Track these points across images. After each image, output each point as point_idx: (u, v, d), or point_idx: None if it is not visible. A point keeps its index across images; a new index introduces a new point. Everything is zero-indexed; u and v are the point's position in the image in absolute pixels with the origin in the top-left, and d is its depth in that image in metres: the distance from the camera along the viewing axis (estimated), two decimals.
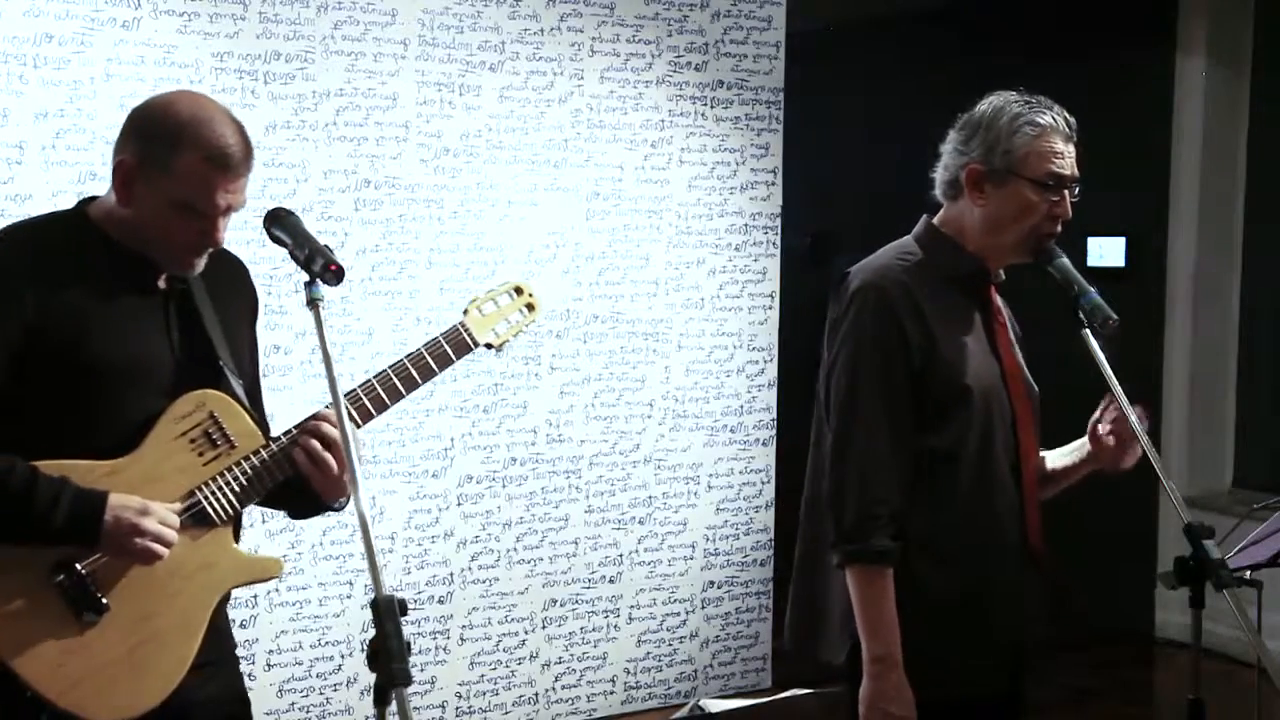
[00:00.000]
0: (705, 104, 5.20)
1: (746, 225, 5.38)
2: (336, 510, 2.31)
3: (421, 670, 4.69)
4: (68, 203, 2.54)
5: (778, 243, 5.42)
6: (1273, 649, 2.22)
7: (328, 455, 2.22)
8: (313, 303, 2.03)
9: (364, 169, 4.57)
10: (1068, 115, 2.41)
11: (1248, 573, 3.52)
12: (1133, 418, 2.27)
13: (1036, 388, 2.55)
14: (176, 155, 2.16)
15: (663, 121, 5.16)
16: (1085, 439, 2.50)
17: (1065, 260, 2.40)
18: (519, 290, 2.62)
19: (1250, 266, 5.94)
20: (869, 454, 2.38)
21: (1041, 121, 2.38)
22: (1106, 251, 6.00)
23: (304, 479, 2.27)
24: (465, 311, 2.52)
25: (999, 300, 2.53)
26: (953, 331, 2.41)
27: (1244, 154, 5.89)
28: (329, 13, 4.50)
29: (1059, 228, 2.39)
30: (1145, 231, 5.90)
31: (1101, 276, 5.42)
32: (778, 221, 5.43)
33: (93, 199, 2.31)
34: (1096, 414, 2.44)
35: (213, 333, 2.26)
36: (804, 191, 5.78)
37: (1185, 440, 5.96)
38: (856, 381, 2.40)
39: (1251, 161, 5.86)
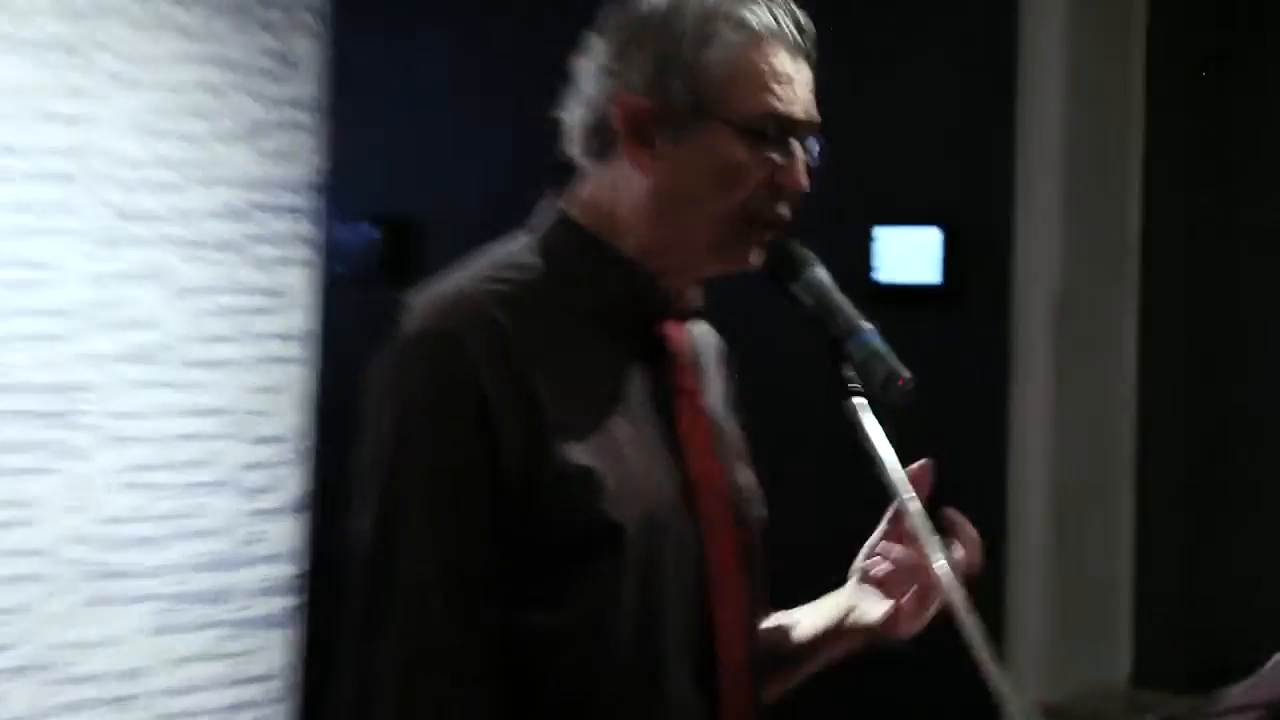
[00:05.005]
0: None
1: (252, 205, 4.17)
2: None
3: None
4: None
5: (317, 241, 4.32)
6: None
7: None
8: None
9: None
10: (796, 9, 1.74)
11: None
12: (931, 544, 1.63)
13: (763, 510, 1.83)
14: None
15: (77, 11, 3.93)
16: (851, 584, 1.86)
17: (819, 272, 1.74)
18: None
19: (1157, 290, 4.21)
20: (407, 640, 1.61)
21: (752, 21, 1.71)
22: (907, 255, 4.09)
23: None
24: None
25: (689, 347, 1.80)
26: (590, 414, 1.68)
27: (1140, 104, 4.14)
28: None
29: (787, 211, 1.71)
30: (978, 223, 4.12)
31: (897, 300, 4.10)
32: (314, 200, 4.30)
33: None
34: (874, 537, 1.82)
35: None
36: (366, 157, 4.48)
37: (1046, 605, 4.06)
38: (393, 510, 1.64)
39: (1154, 116, 4.14)
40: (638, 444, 1.67)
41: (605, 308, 1.69)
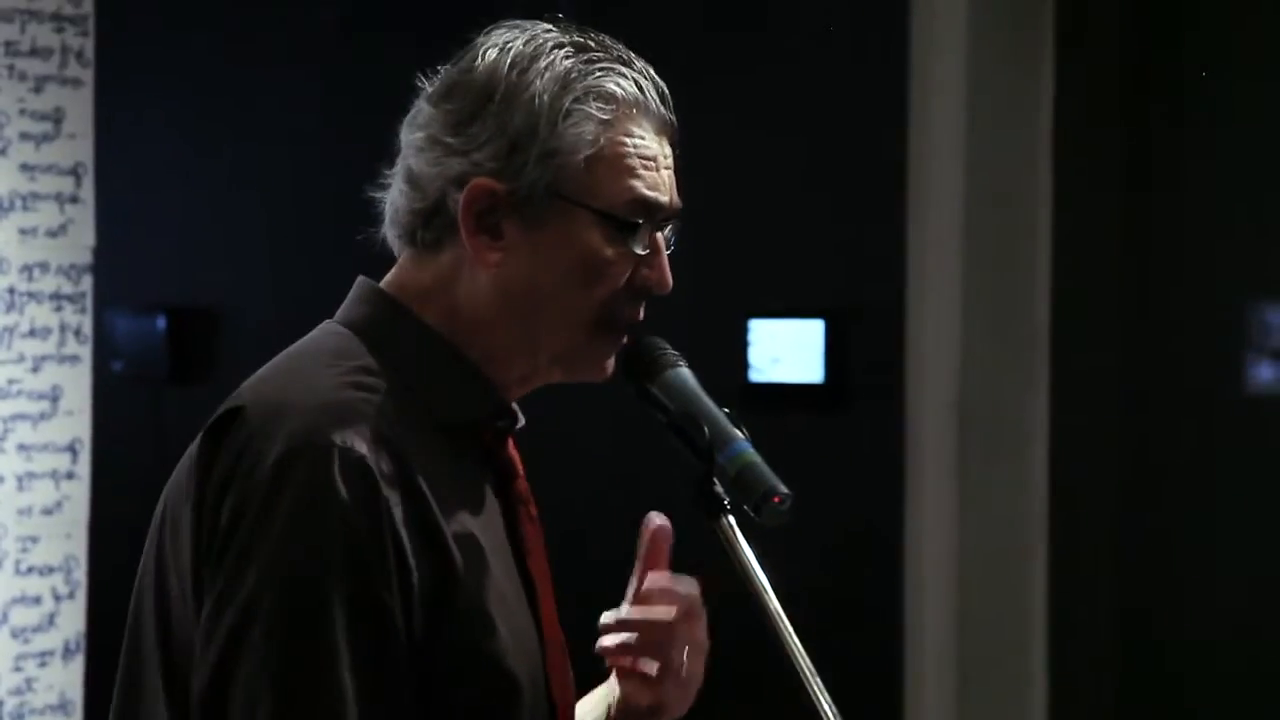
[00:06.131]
0: None
1: (12, 291, 4.05)
2: None
3: None
4: None
5: (89, 332, 4.15)
6: None
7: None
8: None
9: None
10: (656, 77, 1.70)
11: None
12: (791, 637, 1.61)
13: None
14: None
15: None
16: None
17: (683, 373, 1.71)
18: None
19: (1069, 387, 4.27)
20: None
21: (616, 92, 1.67)
22: (785, 351, 4.13)
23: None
24: None
25: (520, 471, 1.76)
26: (475, 547, 1.64)
27: (1048, 163, 4.22)
28: None
29: (641, 312, 1.69)
30: (865, 315, 4.21)
31: (774, 402, 4.19)
32: (86, 284, 4.12)
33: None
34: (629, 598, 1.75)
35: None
36: (147, 235, 4.69)
37: None
38: (300, 671, 1.54)
39: (1061, 177, 4.22)
40: (507, 582, 1.66)
41: (460, 421, 1.67)
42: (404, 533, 1.56)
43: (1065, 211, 4.23)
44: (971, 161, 4.10)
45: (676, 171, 1.69)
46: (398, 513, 1.55)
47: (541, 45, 1.64)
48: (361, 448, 1.55)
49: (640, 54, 1.73)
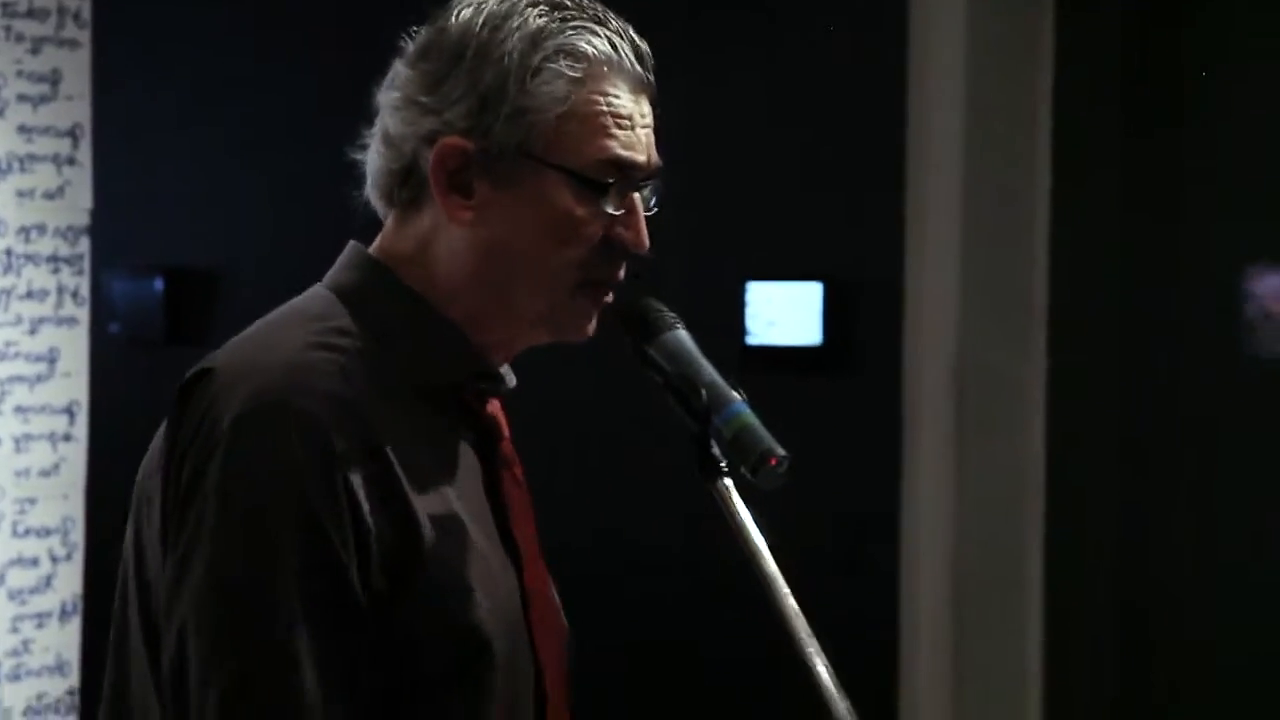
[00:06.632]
0: None
1: (9, 254, 4.09)
2: None
3: None
4: None
5: (86, 294, 4.18)
6: None
7: None
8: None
9: None
10: (635, 35, 1.69)
11: None
12: (787, 600, 1.60)
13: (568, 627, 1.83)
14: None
15: None
16: None
17: (680, 335, 1.71)
18: None
19: (1067, 348, 4.19)
20: None
21: (588, 50, 1.66)
22: (784, 314, 4.05)
23: None
24: None
25: (505, 433, 1.76)
26: (447, 508, 1.63)
27: (1048, 130, 4.16)
28: None
29: (622, 271, 1.69)
30: (863, 277, 4.14)
31: (772, 365, 4.12)
32: (84, 246, 4.15)
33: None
34: None
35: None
36: (145, 197, 4.63)
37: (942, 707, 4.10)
38: (265, 638, 1.54)
39: (1061, 145, 4.16)
40: (486, 543, 1.66)
41: (439, 383, 1.67)
42: (360, 492, 1.55)
43: (1065, 180, 4.18)
44: (971, 127, 4.07)
45: (660, 132, 1.68)
46: (354, 473, 1.55)
47: (515, 4, 1.65)
48: (317, 408, 1.55)
49: (643, 23, 1.73)
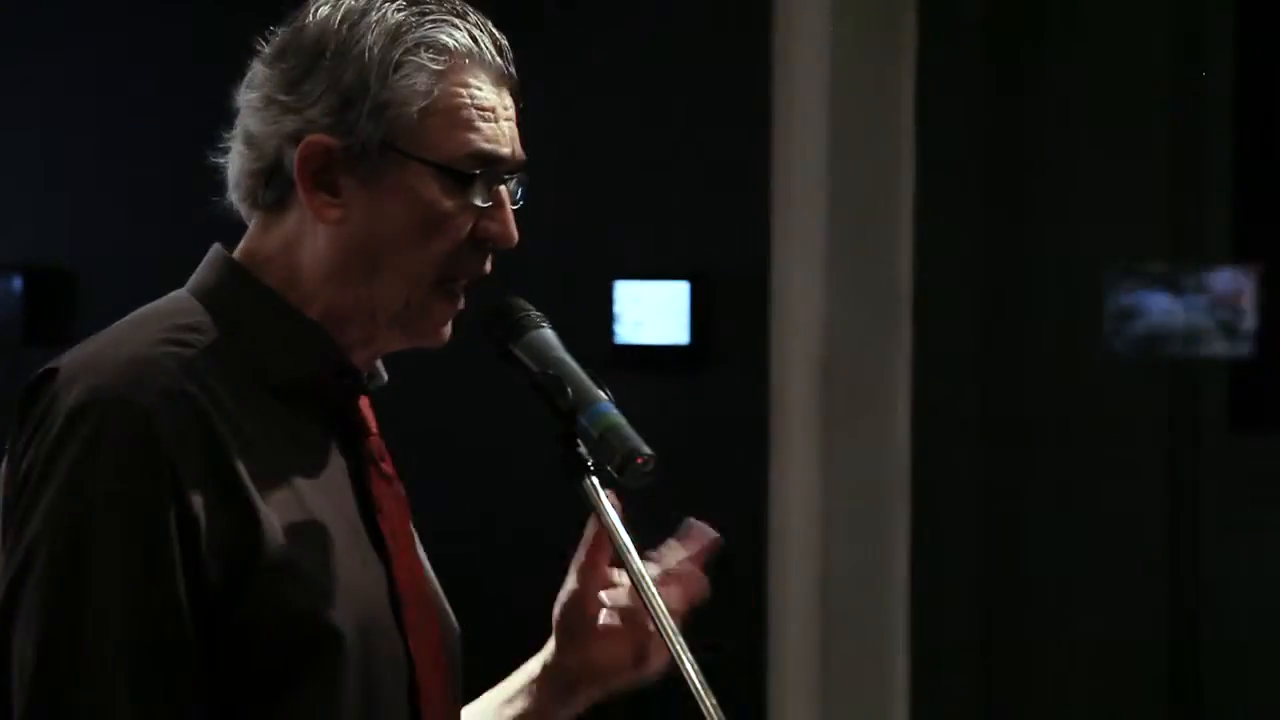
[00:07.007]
0: None
1: None
2: None
3: None
4: None
5: None
6: None
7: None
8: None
9: None
10: (494, 29, 1.71)
11: None
12: (655, 598, 1.64)
13: (456, 623, 1.82)
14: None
15: None
16: (552, 642, 1.85)
17: (546, 334, 1.73)
18: None
19: (932, 345, 4.30)
20: None
21: (448, 43, 1.67)
22: (651, 313, 4.15)
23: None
24: None
25: (373, 429, 1.76)
26: (297, 502, 1.65)
27: (911, 124, 4.28)
28: None
29: (488, 267, 1.70)
30: (730, 276, 4.23)
31: (640, 363, 4.19)
32: None
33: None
34: (571, 588, 1.78)
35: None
36: (4, 193, 4.69)
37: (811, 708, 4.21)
38: (77, 631, 1.56)
39: (925, 138, 4.26)
40: (346, 537, 1.66)
41: (296, 379, 1.67)
42: (192, 487, 1.56)
43: (929, 173, 4.24)
44: (836, 122, 4.13)
45: (522, 125, 1.69)
46: (186, 466, 1.55)
47: (372, 0, 1.65)
48: (149, 401, 1.56)
49: (512, 16, 1.74)
